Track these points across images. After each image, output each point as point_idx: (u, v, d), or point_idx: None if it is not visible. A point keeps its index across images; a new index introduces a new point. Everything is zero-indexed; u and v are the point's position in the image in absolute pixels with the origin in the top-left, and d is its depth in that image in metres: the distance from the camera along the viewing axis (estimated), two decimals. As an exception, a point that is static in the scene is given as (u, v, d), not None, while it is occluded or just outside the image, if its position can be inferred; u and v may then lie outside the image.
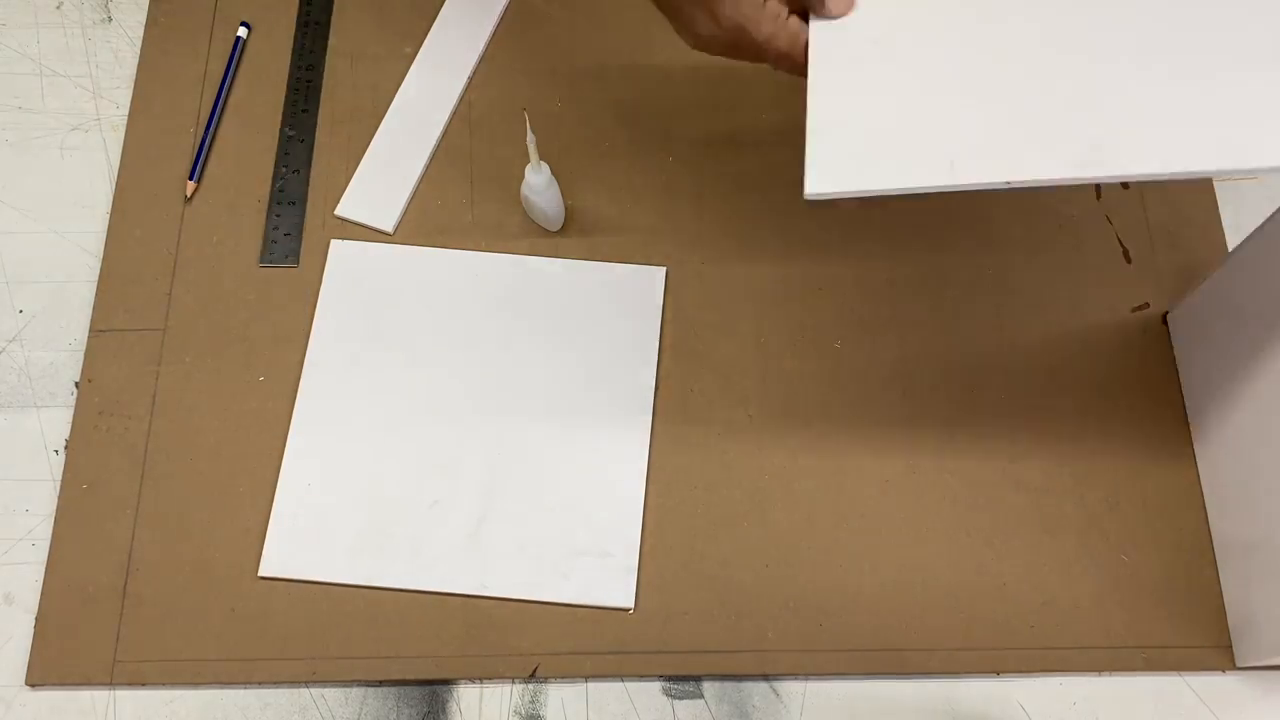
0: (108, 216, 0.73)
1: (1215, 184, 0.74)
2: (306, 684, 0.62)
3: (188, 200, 0.72)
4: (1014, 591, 0.64)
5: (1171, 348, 0.70)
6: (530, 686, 0.62)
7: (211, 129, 0.73)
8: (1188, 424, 0.68)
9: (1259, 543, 0.60)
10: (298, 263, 0.71)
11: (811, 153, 0.52)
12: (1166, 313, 0.70)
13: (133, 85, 0.76)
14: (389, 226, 0.72)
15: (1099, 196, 0.74)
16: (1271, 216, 0.58)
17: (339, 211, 0.72)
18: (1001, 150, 0.50)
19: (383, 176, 0.73)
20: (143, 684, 0.62)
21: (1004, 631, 0.63)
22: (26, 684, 0.62)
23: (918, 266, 0.72)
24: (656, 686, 0.62)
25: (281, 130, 0.74)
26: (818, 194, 0.52)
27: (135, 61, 0.77)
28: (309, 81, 0.76)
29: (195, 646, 0.62)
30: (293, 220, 0.72)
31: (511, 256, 0.71)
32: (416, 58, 0.77)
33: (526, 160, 0.67)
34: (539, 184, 0.68)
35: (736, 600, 0.63)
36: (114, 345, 0.69)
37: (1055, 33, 0.54)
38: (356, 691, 0.62)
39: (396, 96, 0.76)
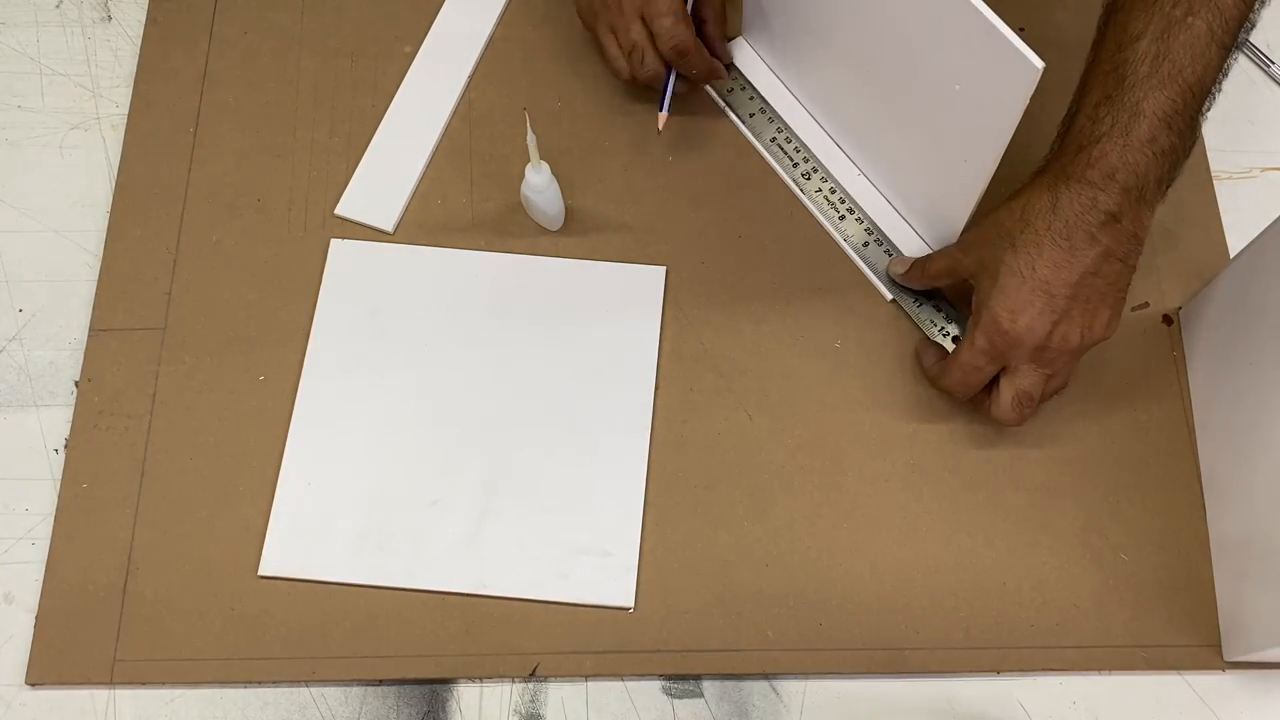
0: (108, 215, 0.72)
1: (1215, 184, 0.74)
2: (306, 683, 0.62)
3: (659, 132, 0.71)
4: (1014, 591, 0.64)
5: (1171, 346, 0.70)
6: (530, 686, 0.62)
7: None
8: (1188, 422, 0.68)
9: (1253, 538, 0.60)
10: None
11: None
12: (1166, 313, 0.70)
13: (132, 84, 0.76)
14: (389, 226, 0.72)
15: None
16: None
17: (339, 211, 0.72)
18: None
19: (383, 176, 0.73)
20: (143, 683, 0.62)
21: (1004, 631, 0.63)
22: (26, 683, 0.62)
23: (918, 266, 0.72)
24: (656, 685, 0.62)
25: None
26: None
27: (135, 60, 0.77)
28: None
29: (195, 646, 0.62)
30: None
31: (511, 256, 0.71)
32: (417, 57, 0.77)
33: (527, 160, 0.67)
34: (539, 183, 0.68)
35: (736, 599, 0.63)
36: (114, 344, 0.69)
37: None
38: (356, 691, 0.62)
39: (396, 96, 0.76)
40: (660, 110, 0.70)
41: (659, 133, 0.71)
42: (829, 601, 0.63)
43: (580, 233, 0.72)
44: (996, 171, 0.60)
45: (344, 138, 0.75)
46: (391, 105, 0.76)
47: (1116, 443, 0.67)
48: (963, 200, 0.64)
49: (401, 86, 0.76)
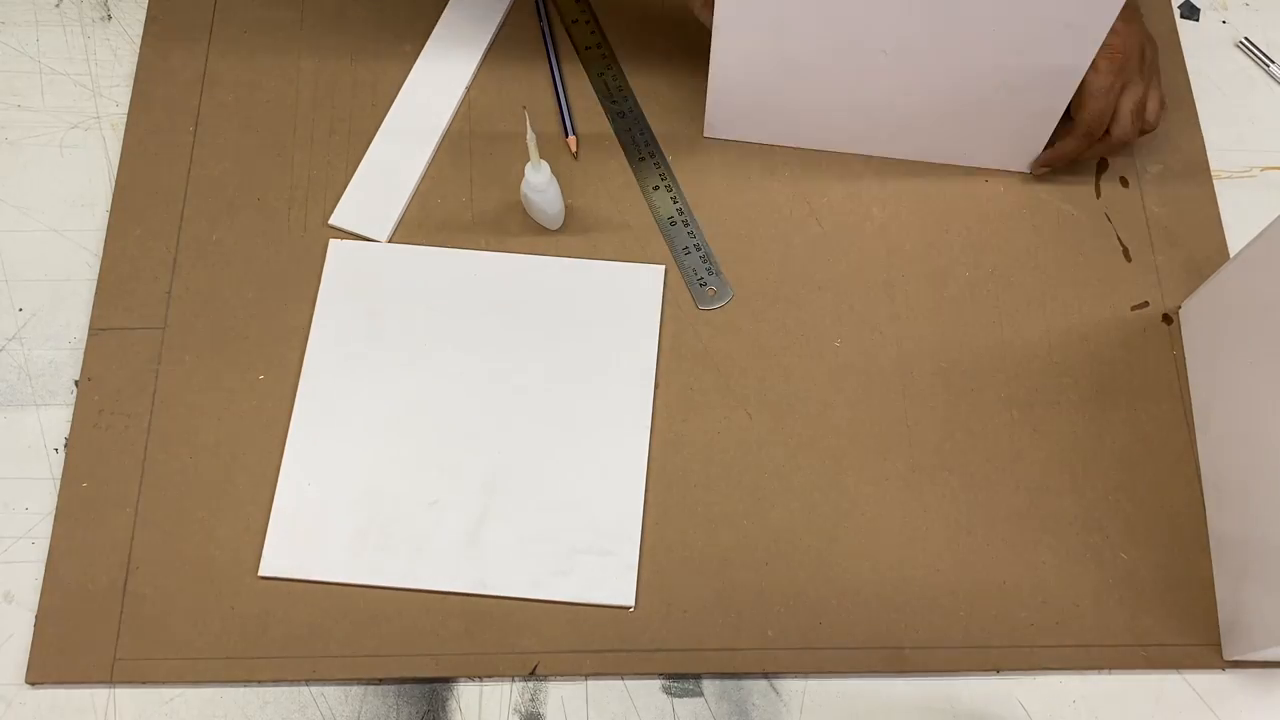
0: (107, 215, 0.72)
1: (1215, 182, 0.74)
2: (306, 682, 0.62)
3: (574, 156, 0.73)
4: (1013, 590, 0.64)
5: (1171, 345, 0.70)
6: (530, 685, 0.62)
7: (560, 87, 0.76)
8: (1188, 421, 0.68)
9: (1253, 537, 0.60)
10: None
11: None
12: (1166, 312, 0.70)
13: (132, 83, 0.76)
14: (383, 236, 0.71)
15: (1099, 194, 0.74)
16: None
17: (333, 220, 0.72)
18: None
19: (379, 184, 0.73)
20: (142, 682, 0.62)
21: (1004, 630, 0.63)
22: (27, 682, 0.62)
23: (917, 265, 0.72)
24: (656, 685, 0.62)
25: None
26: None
27: (135, 60, 0.77)
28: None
29: (195, 645, 0.62)
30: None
31: (511, 255, 0.71)
32: (419, 57, 0.77)
33: (527, 159, 0.67)
34: (539, 182, 0.68)
35: (736, 598, 0.63)
36: (114, 344, 0.69)
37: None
38: (356, 690, 0.62)
39: (398, 96, 0.76)
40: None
41: None
42: (829, 601, 0.63)
43: (580, 232, 0.72)
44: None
45: (344, 137, 0.75)
46: (393, 105, 0.75)
47: (1116, 442, 0.67)
48: (1046, 115, 0.65)
49: (403, 87, 0.76)
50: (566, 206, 0.72)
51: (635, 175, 0.73)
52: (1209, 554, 0.65)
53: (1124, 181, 0.74)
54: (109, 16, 0.80)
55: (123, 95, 0.77)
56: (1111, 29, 0.63)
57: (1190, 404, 0.68)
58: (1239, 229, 0.73)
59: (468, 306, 0.70)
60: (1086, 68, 0.65)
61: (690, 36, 0.77)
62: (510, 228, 0.72)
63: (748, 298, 0.71)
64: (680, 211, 0.72)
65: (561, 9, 0.79)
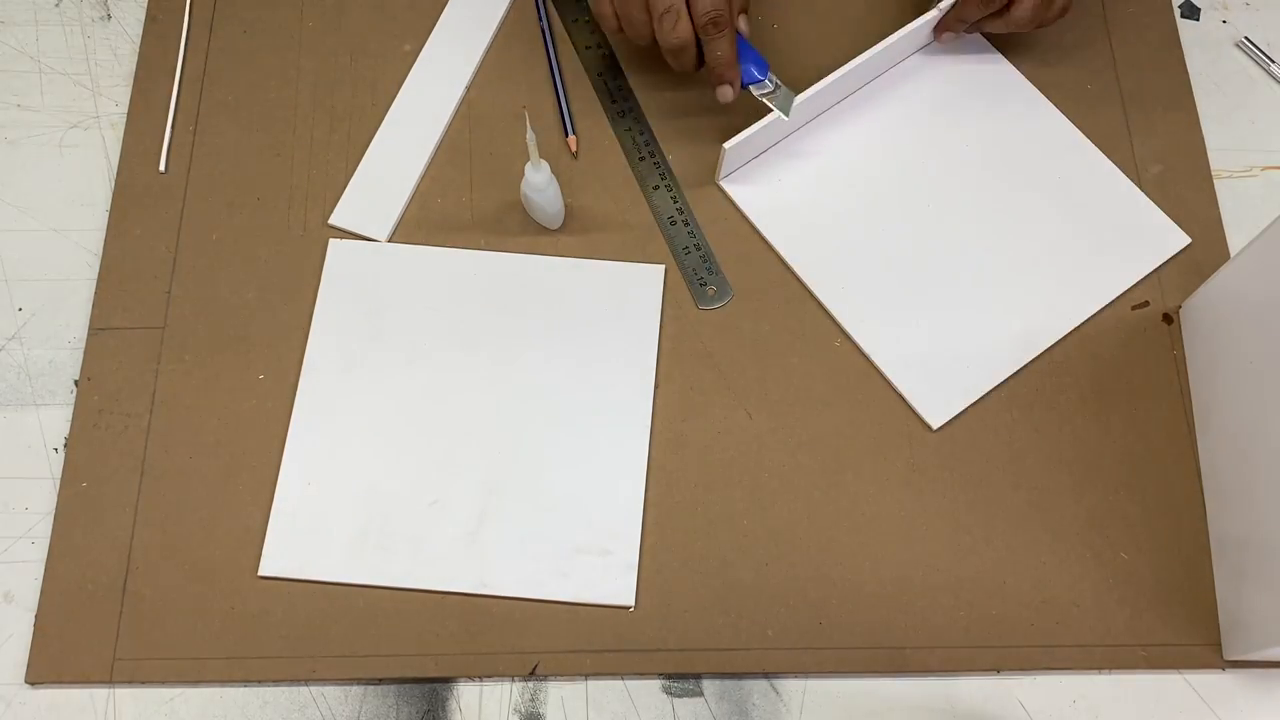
0: (107, 214, 0.72)
1: (1215, 182, 0.74)
2: (306, 682, 0.62)
3: (574, 156, 0.73)
4: (1014, 590, 0.64)
5: (1171, 345, 0.70)
6: (530, 685, 0.62)
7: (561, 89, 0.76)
8: (1189, 421, 0.68)
9: (1254, 537, 0.60)
10: None
11: None
12: (1166, 312, 0.70)
13: (132, 83, 0.76)
14: (383, 236, 0.71)
15: (1099, 195, 0.74)
16: None
17: (333, 220, 0.72)
18: None
19: (379, 184, 0.73)
20: (142, 682, 0.62)
21: (1004, 629, 0.63)
22: (26, 682, 0.62)
23: (917, 265, 0.72)
24: (656, 684, 0.62)
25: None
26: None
27: (134, 59, 0.77)
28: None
29: (195, 645, 0.62)
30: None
31: (511, 255, 0.71)
32: (419, 56, 0.77)
33: (526, 159, 0.67)
34: (539, 182, 0.68)
35: (736, 598, 0.63)
36: (113, 343, 0.69)
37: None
38: (356, 690, 0.62)
39: (398, 96, 0.76)
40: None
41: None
42: (829, 601, 0.63)
43: (580, 232, 0.72)
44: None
45: (344, 136, 0.75)
46: (393, 105, 0.75)
47: (1116, 442, 0.67)
48: None
49: (403, 87, 0.76)
50: (566, 206, 0.72)
51: (635, 175, 0.74)
52: (1209, 554, 0.65)
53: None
54: (109, 16, 0.80)
55: (122, 95, 0.77)
56: None
57: (1190, 404, 0.68)
58: (1239, 229, 0.73)
59: (468, 306, 0.70)
60: None
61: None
62: (510, 228, 0.72)
63: (748, 298, 0.71)
64: (680, 211, 0.72)
65: (561, 9, 0.79)
